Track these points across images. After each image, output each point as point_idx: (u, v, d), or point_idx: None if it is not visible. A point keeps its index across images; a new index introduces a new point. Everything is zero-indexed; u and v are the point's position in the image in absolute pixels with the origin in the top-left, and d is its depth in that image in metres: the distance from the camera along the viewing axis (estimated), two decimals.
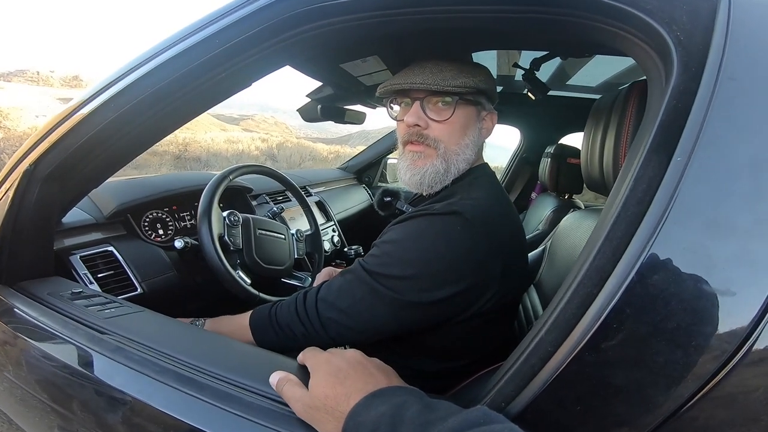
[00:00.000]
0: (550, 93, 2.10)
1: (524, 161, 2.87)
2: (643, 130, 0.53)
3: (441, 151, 0.85)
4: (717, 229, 0.41)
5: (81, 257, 1.10)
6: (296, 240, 1.47)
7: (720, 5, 0.48)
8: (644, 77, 0.63)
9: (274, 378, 0.57)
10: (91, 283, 1.08)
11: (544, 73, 1.75)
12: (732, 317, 0.40)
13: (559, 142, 2.29)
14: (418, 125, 0.85)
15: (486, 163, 0.96)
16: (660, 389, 0.42)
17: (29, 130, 9.77)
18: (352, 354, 0.59)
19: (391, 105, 0.94)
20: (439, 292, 0.73)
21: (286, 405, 0.55)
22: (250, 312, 0.90)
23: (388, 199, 0.97)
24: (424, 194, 0.93)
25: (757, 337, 0.39)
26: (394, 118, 0.93)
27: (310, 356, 0.60)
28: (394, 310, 0.75)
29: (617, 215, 0.45)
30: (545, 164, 2.17)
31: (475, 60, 1.35)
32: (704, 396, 0.41)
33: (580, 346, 0.43)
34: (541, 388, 0.45)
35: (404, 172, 0.89)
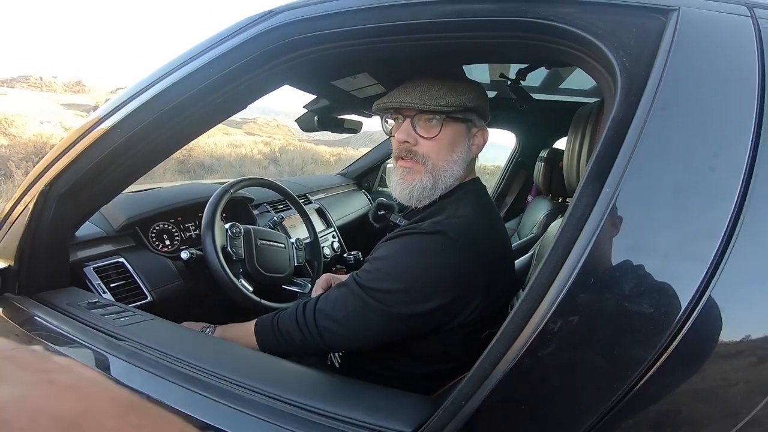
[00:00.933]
0: (544, 97, 2.14)
1: (520, 165, 2.91)
2: (591, 158, 0.58)
3: (429, 167, 0.89)
4: (640, 252, 0.46)
5: (94, 268, 1.16)
6: (296, 248, 1.52)
7: (668, 25, 0.51)
8: None
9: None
10: (104, 292, 1.14)
11: (536, 77, 1.78)
12: (652, 330, 0.45)
13: (553, 146, 2.33)
14: (408, 142, 0.89)
15: (477, 178, 1.00)
16: (589, 393, 0.48)
17: (34, 137, 9.82)
18: None
19: (386, 120, 0.98)
20: (426, 305, 0.79)
21: (285, 402, 0.62)
22: (256, 320, 0.96)
23: (382, 212, 1.02)
24: (414, 207, 0.98)
25: (676, 344, 0.44)
26: (389, 134, 0.97)
27: None
28: (384, 321, 0.81)
29: (556, 240, 0.50)
30: (539, 168, 2.21)
31: (466, 68, 1.41)
32: (629, 401, 0.46)
33: (521, 353, 0.48)
34: (491, 389, 0.50)
35: (395, 186, 0.95)
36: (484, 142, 0.97)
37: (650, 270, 0.45)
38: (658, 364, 0.44)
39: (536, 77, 1.79)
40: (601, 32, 0.54)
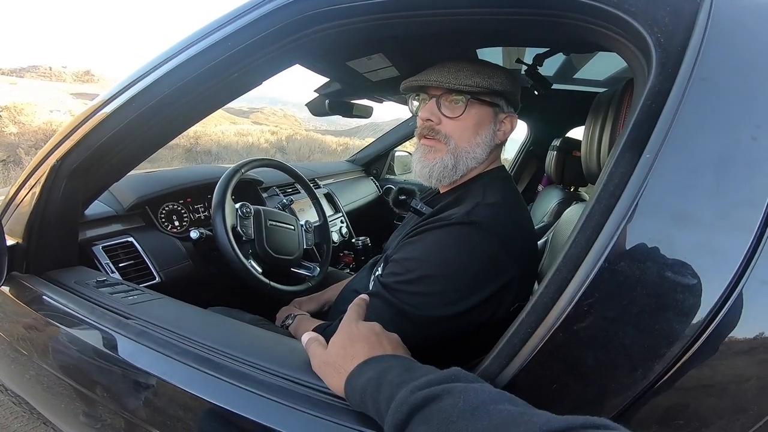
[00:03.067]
0: (557, 87, 2.10)
1: (531, 154, 2.89)
2: (624, 128, 0.57)
3: (451, 147, 0.88)
4: (681, 221, 0.44)
5: (103, 248, 1.16)
6: (305, 231, 1.51)
7: (702, 6, 0.51)
8: None
9: (306, 337, 0.66)
10: (112, 272, 1.14)
11: (550, 66, 1.75)
12: (693, 304, 0.43)
13: (566, 135, 2.30)
14: (431, 120, 0.88)
15: (503, 166, 0.98)
16: (626, 371, 0.46)
17: (44, 125, 9.88)
18: (371, 325, 0.65)
19: (413, 100, 0.98)
20: (465, 303, 0.76)
21: (296, 382, 0.61)
22: (317, 324, 0.97)
23: (404, 197, 1.00)
24: (434, 186, 0.97)
25: (719, 321, 0.43)
26: (414, 113, 0.97)
27: (345, 317, 0.68)
28: (422, 328, 0.78)
29: (591, 208, 0.48)
30: (551, 157, 2.18)
31: (480, 56, 1.38)
32: (667, 380, 0.44)
33: (554, 328, 0.47)
34: (520, 366, 0.49)
35: (416, 164, 0.94)
36: (512, 129, 0.95)
37: (692, 239, 0.44)
38: (700, 340, 0.43)
39: (550, 67, 1.76)
40: (633, 10, 0.53)
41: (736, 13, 0.51)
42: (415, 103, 0.96)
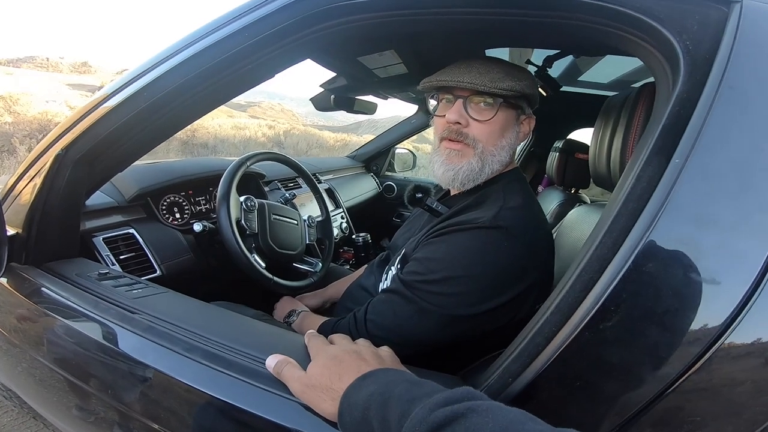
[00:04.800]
0: (562, 89, 2.10)
1: (532, 155, 2.89)
2: (648, 132, 0.56)
3: (478, 151, 0.86)
4: (705, 223, 0.45)
5: (104, 239, 1.14)
6: (308, 225, 1.49)
7: (731, 15, 0.51)
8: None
9: (272, 361, 0.61)
10: (113, 264, 1.12)
11: (556, 69, 1.75)
12: (716, 304, 0.44)
13: (568, 138, 2.30)
14: (459, 123, 0.86)
15: (518, 167, 0.97)
16: (649, 369, 0.46)
17: (39, 116, 9.79)
18: (347, 343, 0.64)
19: (431, 99, 0.95)
20: (486, 305, 0.76)
21: None
22: (324, 321, 0.96)
23: (420, 195, 0.98)
24: (454, 191, 0.95)
25: (740, 321, 0.43)
26: (433, 113, 0.94)
27: (313, 344, 0.65)
28: (441, 325, 0.78)
29: (618, 210, 0.48)
30: (553, 158, 2.18)
31: (487, 55, 1.37)
32: (689, 378, 0.45)
33: (580, 327, 0.47)
34: (544, 364, 0.49)
35: (438, 167, 0.90)
36: (530, 130, 0.94)
37: (715, 241, 0.45)
38: (722, 340, 0.43)
39: (557, 68, 1.76)
40: (662, 17, 0.53)
41: (766, 22, 0.51)
42: (434, 103, 0.94)
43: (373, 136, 3.06)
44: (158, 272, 1.22)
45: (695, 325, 0.44)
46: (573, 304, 0.48)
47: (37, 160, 0.92)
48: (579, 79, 1.97)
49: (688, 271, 0.45)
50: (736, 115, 0.47)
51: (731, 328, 0.43)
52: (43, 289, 0.87)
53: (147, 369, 0.69)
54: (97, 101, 0.84)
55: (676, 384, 0.45)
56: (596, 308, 0.46)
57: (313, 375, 0.57)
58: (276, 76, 0.86)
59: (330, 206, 2.12)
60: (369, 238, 2.02)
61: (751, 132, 0.46)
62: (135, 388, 0.73)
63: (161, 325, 0.73)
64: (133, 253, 1.19)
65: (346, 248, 2.12)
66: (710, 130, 0.46)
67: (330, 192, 2.24)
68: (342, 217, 2.21)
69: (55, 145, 0.89)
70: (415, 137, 3.01)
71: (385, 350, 0.64)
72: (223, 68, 0.77)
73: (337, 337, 0.67)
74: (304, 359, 0.62)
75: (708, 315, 0.44)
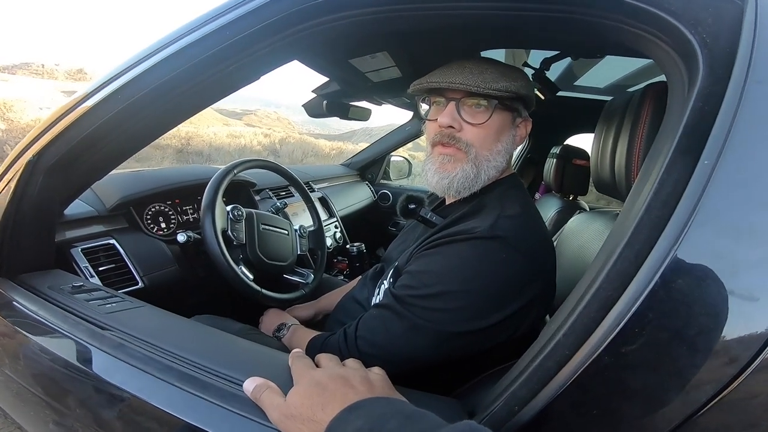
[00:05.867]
0: (558, 94, 2.08)
1: (529, 162, 2.87)
2: (664, 134, 0.52)
3: (472, 156, 0.82)
4: (743, 234, 0.40)
5: (82, 250, 1.09)
6: (299, 236, 1.45)
7: (747, 7, 0.47)
8: (658, 80, 0.62)
9: (250, 384, 0.55)
10: (92, 276, 1.07)
11: (553, 73, 1.73)
12: (755, 323, 0.39)
13: (565, 143, 2.27)
14: (452, 127, 0.81)
15: (515, 173, 0.92)
16: (677, 393, 0.41)
17: (32, 122, 9.76)
18: (335, 366, 0.58)
19: (422, 103, 0.90)
20: (484, 320, 0.71)
21: None
22: (314, 336, 0.90)
23: (413, 206, 0.93)
24: (449, 200, 0.90)
25: None
26: (425, 117, 0.89)
27: (296, 367, 0.59)
28: (436, 343, 0.73)
29: (640, 219, 0.43)
30: (550, 165, 2.15)
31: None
32: (721, 401, 0.40)
33: (599, 350, 0.42)
34: (557, 391, 0.44)
35: (431, 175, 0.85)
36: (527, 133, 0.89)
37: (755, 254, 0.40)
38: (758, 361, 0.39)
39: (553, 73, 1.74)
40: (674, 9, 0.49)
41: None
42: (425, 107, 0.89)
43: (368, 144, 3.02)
44: (140, 284, 1.17)
45: (731, 346, 0.39)
46: (589, 325, 0.43)
47: (11, 167, 0.87)
48: (575, 83, 1.94)
49: (723, 289, 0.39)
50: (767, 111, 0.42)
51: None
52: (14, 302, 0.82)
53: (116, 390, 0.64)
54: (71, 105, 0.79)
55: (705, 409, 0.40)
56: (618, 330, 0.41)
57: (293, 404, 0.51)
58: (272, 80, 0.82)
59: (323, 215, 2.08)
60: (363, 247, 1.97)
61: None
62: (106, 409, 0.68)
63: (133, 342, 0.67)
64: (114, 265, 1.14)
65: (340, 258, 2.08)
66: (741, 128, 0.41)
67: (324, 201, 2.20)
68: (336, 227, 2.17)
69: (28, 151, 0.84)
70: (410, 145, 2.98)
71: (377, 374, 0.59)
72: (203, 69, 0.72)
73: (324, 359, 0.61)
74: (287, 382, 0.56)
75: (745, 334, 0.39)
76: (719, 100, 0.43)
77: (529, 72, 1.42)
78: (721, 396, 0.40)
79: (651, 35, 0.54)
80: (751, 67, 0.43)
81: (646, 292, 0.40)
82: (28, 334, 0.77)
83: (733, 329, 0.39)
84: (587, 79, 1.86)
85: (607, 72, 1.71)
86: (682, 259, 0.40)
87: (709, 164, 0.41)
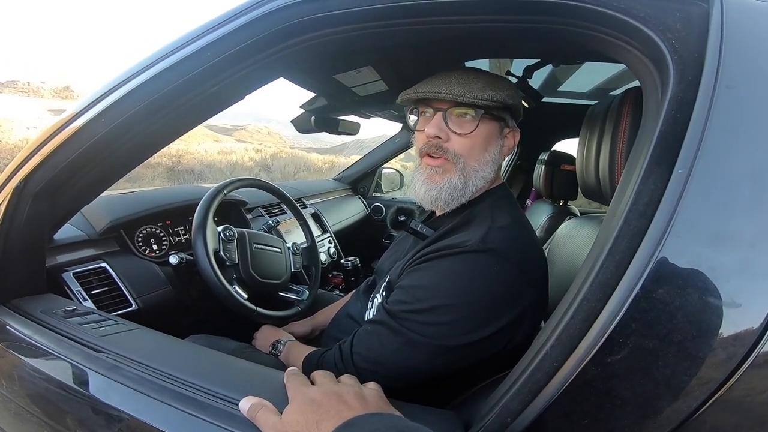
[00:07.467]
0: (543, 100, 2.11)
1: (518, 169, 2.88)
2: (641, 141, 0.53)
3: (460, 167, 0.82)
4: (720, 241, 0.41)
5: (74, 274, 1.09)
6: (293, 253, 1.45)
7: (713, 10, 0.48)
8: (637, 84, 0.63)
9: (246, 404, 0.55)
10: (84, 300, 1.06)
11: (536, 80, 1.75)
12: (737, 328, 0.40)
13: (553, 149, 2.30)
14: (439, 137, 0.81)
15: (504, 183, 0.92)
16: (666, 400, 0.42)
17: (21, 143, 9.68)
18: (329, 383, 0.58)
19: (410, 114, 0.90)
20: (479, 333, 0.71)
21: None
22: (310, 352, 0.90)
23: (403, 218, 0.93)
24: (439, 212, 0.90)
25: (763, 345, 0.39)
26: (413, 128, 0.90)
27: (291, 385, 0.59)
28: (431, 357, 0.73)
29: (619, 229, 0.44)
30: (539, 171, 2.17)
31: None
32: (710, 406, 0.41)
33: (585, 361, 0.42)
34: (547, 402, 0.44)
35: (419, 187, 0.85)
36: (515, 143, 0.90)
37: (733, 260, 0.41)
38: (746, 364, 0.39)
39: (536, 80, 1.76)
40: (643, 15, 0.50)
41: (750, 16, 0.49)
42: (414, 118, 0.89)
43: (360, 157, 3.03)
44: (134, 306, 1.16)
45: (716, 352, 0.40)
46: (575, 336, 0.44)
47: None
48: (559, 89, 1.97)
49: (705, 295, 0.40)
50: (738, 116, 0.43)
51: (755, 351, 0.39)
52: (8, 327, 0.82)
53: (113, 411, 0.64)
54: (56, 128, 0.78)
55: (695, 414, 0.41)
56: (603, 341, 0.42)
57: (288, 422, 0.51)
58: (262, 95, 0.82)
59: (316, 231, 2.08)
60: (358, 261, 1.98)
61: (757, 133, 0.43)
62: (105, 429, 0.67)
63: (128, 364, 0.67)
64: (107, 288, 1.13)
65: (335, 273, 2.07)
66: (713, 134, 0.42)
67: (316, 216, 2.19)
68: (330, 242, 2.17)
69: (15, 176, 0.83)
70: (402, 156, 2.99)
71: (371, 389, 0.59)
72: (186, 90, 0.72)
73: (319, 376, 0.61)
74: (283, 400, 0.56)
75: (730, 340, 0.40)
76: (690, 107, 0.44)
77: (512, 80, 1.44)
78: (710, 401, 0.40)
79: (622, 42, 0.55)
80: (720, 71, 0.44)
81: (628, 303, 0.41)
82: (22, 357, 0.77)
83: (717, 335, 0.40)
84: (571, 84, 1.88)
85: (590, 76, 1.74)
86: (663, 269, 0.41)
87: (683, 173, 0.41)
